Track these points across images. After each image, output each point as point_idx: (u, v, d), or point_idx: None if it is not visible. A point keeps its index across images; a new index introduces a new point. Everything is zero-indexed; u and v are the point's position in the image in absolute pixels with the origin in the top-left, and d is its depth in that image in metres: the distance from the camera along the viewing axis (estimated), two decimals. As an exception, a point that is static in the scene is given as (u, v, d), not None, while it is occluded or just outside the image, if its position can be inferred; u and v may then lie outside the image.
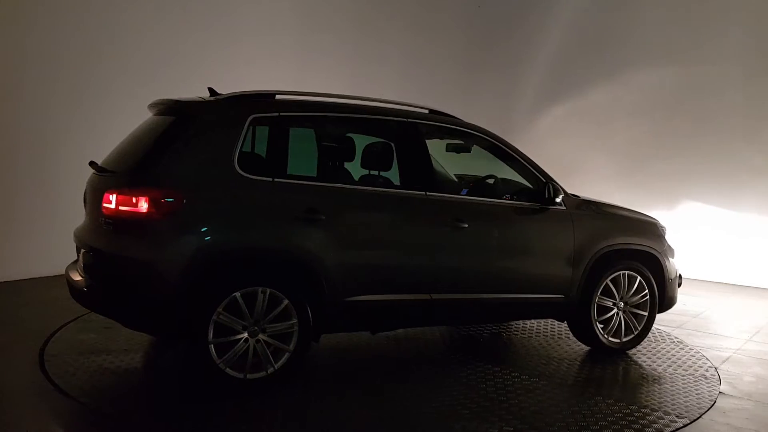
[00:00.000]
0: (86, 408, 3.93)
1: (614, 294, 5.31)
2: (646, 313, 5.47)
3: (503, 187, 5.29)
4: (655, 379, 4.91)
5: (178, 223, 3.98)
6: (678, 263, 5.83)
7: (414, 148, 4.73)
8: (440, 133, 5.17)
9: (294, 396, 4.19)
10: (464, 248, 4.76)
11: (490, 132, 5.09)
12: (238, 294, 4.06)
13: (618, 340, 5.39)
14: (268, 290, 4.14)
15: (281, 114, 4.40)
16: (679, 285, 5.78)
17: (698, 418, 4.20)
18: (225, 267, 4.10)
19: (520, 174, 5.17)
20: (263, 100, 4.43)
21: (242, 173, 4.14)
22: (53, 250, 6.17)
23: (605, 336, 5.32)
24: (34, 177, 7.05)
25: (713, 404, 4.45)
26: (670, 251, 5.66)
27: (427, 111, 4.95)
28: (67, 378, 4.31)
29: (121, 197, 3.98)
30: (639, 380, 4.90)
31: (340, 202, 4.39)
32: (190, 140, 4.15)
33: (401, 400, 4.23)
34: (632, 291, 5.39)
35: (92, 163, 4.46)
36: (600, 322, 5.29)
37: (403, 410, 4.07)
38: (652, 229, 5.59)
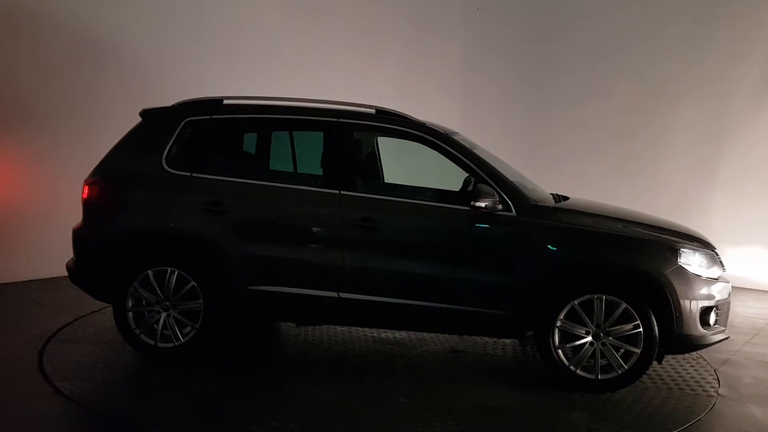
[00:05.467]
0: (85, 410, 4.00)
1: (585, 320, 4.47)
2: (638, 351, 4.44)
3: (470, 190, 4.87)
4: (653, 381, 4.78)
5: (106, 208, 4.87)
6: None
7: (336, 147, 4.78)
8: (379, 133, 5.04)
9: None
10: (375, 249, 4.62)
11: (437, 132, 4.75)
12: (150, 272, 4.73)
13: (592, 376, 4.50)
14: (176, 271, 4.72)
15: (212, 117, 4.93)
16: (704, 322, 4.50)
17: (697, 420, 4.16)
18: (139, 247, 4.81)
19: (472, 176, 4.74)
20: (203, 105, 4.99)
21: (167, 168, 4.80)
22: (52, 251, 6.30)
23: (570, 367, 4.50)
24: (33, 179, 7.13)
25: (712, 406, 4.40)
26: (687, 277, 4.45)
27: (373, 111, 4.90)
28: (66, 380, 4.38)
29: (83, 186, 5.01)
30: (637, 382, 4.61)
31: (243, 196, 4.72)
32: (133, 140, 4.98)
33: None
34: (613, 320, 4.45)
35: None
36: (570, 351, 4.52)
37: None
38: (649, 247, 4.51)
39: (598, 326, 4.47)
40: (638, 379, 4.55)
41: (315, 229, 4.70)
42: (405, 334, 5.67)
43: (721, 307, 4.67)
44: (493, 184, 4.58)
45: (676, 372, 5.04)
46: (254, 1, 8.79)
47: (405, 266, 4.61)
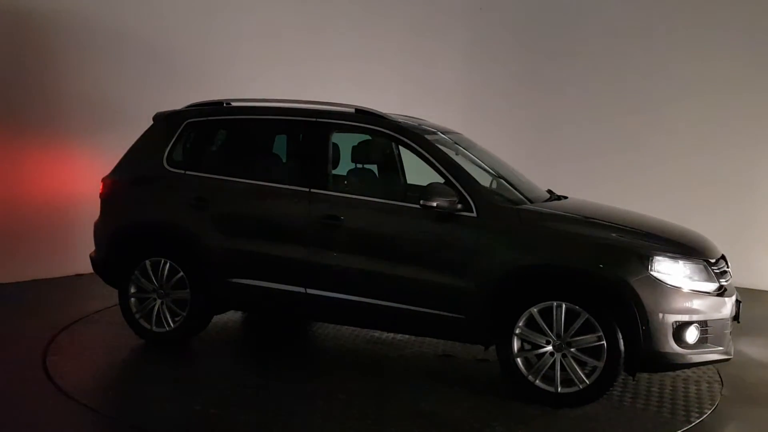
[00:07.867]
0: (88, 409, 4.02)
1: (545, 329, 4.20)
2: (601, 365, 4.11)
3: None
4: (656, 382, 4.74)
5: (115, 203, 5.37)
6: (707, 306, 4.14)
7: (312, 146, 4.89)
8: (356, 132, 5.05)
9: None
10: (338, 246, 4.67)
11: (407, 131, 4.69)
12: (147, 262, 5.15)
13: (551, 389, 4.22)
14: (168, 262, 5.10)
15: (209, 119, 5.26)
16: (678, 339, 4.03)
17: (699, 421, 4.15)
18: (137, 239, 5.25)
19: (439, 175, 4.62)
20: (204, 107, 5.33)
21: (167, 167, 5.21)
22: (56, 252, 6.58)
23: (529, 377, 4.24)
24: (37, 180, 7.13)
25: (715, 407, 4.38)
26: (658, 288, 4.03)
27: (353, 111, 4.96)
28: (69, 379, 4.42)
29: (101, 183, 5.55)
30: (640, 383, 4.68)
31: (222, 192, 4.99)
32: (144, 141, 5.44)
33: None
34: (573, 330, 4.14)
35: None
36: (535, 360, 4.29)
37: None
38: (613, 253, 4.14)
39: (558, 336, 4.19)
40: (603, 395, 4.21)
41: (285, 226, 4.85)
42: (406, 336, 5.63)
43: (711, 325, 4.18)
44: (456, 183, 4.46)
45: (672, 382, 4.72)
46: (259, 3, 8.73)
47: (364, 264, 4.61)
